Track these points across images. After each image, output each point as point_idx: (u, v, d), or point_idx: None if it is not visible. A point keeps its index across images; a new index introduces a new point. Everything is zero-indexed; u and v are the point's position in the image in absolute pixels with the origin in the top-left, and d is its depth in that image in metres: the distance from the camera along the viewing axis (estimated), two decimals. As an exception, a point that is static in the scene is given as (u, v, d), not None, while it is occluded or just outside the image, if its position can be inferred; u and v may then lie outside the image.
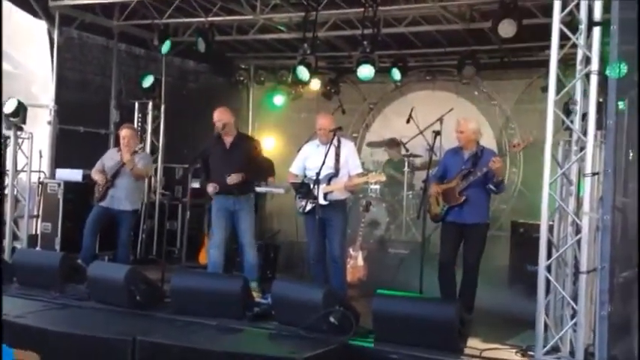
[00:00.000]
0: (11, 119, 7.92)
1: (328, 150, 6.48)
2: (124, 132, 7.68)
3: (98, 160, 7.82)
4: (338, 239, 6.54)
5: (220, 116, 6.86)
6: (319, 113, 7.42)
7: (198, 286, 5.99)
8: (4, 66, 9.92)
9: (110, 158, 7.72)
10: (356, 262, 7.88)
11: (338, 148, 6.57)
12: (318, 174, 6.34)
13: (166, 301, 6.11)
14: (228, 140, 6.90)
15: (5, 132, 7.99)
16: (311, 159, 6.69)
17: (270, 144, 11.35)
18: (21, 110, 7.92)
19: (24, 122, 8.03)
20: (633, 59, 4.80)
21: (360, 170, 6.66)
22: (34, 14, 8.94)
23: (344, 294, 6.35)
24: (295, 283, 5.98)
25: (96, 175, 7.62)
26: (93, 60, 9.87)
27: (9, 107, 7.86)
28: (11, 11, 9.19)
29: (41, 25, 9.11)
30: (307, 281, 6.57)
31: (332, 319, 5.19)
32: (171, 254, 9.00)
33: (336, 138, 6.56)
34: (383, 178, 6.89)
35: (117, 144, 8.13)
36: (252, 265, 6.82)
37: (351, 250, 7.66)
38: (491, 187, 6.14)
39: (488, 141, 9.10)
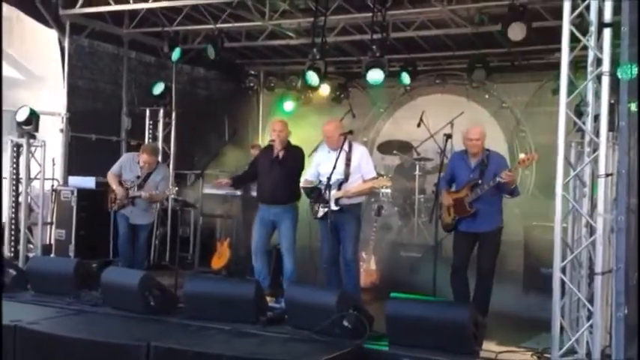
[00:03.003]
0: (24, 127, 8.00)
1: (339, 155, 6.50)
2: (144, 157, 7.66)
3: (113, 164, 7.83)
4: (351, 243, 6.55)
5: (281, 127, 6.93)
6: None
7: (212, 291, 6.01)
8: (15, 74, 10.03)
9: (129, 169, 7.73)
10: (368, 265, 7.89)
11: (349, 153, 6.59)
12: (329, 179, 6.39)
13: (180, 307, 6.13)
14: (278, 151, 6.90)
15: (18, 140, 8.07)
16: (323, 165, 6.72)
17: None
18: (33, 118, 7.98)
19: (36, 130, 8.11)
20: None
21: (373, 175, 6.62)
22: (45, 23, 9.01)
23: (357, 297, 6.35)
24: (308, 288, 5.98)
25: (114, 183, 7.64)
26: (104, 68, 9.95)
27: (21, 115, 7.94)
28: (21, 20, 9.28)
29: (52, 33, 9.20)
30: (320, 285, 6.57)
31: (345, 323, 5.19)
32: (183, 260, 9.02)
33: (347, 143, 6.59)
34: (388, 183, 6.88)
35: (129, 149, 8.19)
36: (288, 271, 6.86)
37: (363, 254, 7.66)
38: (506, 195, 6.15)
39: (499, 144, 9.11)
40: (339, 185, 6.51)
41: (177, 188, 7.74)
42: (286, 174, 6.83)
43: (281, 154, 6.87)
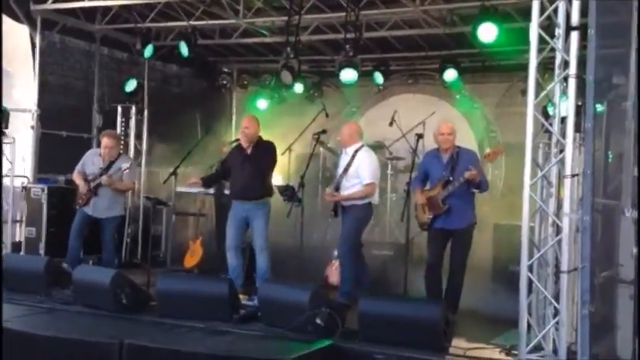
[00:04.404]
0: (-6, 124, 7.90)
1: (349, 160, 6.84)
2: (105, 141, 7.61)
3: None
4: (343, 240, 6.89)
5: (247, 123, 7.05)
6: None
7: (184, 289, 6.02)
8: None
9: (91, 163, 7.66)
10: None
11: (352, 158, 6.85)
12: (338, 181, 6.91)
13: (152, 305, 6.14)
14: (247, 147, 6.98)
15: (-13, 137, 7.97)
16: (338, 167, 7.13)
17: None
18: (3, 115, 7.89)
19: (7, 127, 8.01)
20: (610, 63, 4.92)
21: (367, 181, 6.78)
22: (16, 19, 8.90)
23: (345, 293, 6.64)
24: (281, 285, 6.02)
25: (78, 179, 7.60)
26: (75, 64, 9.86)
27: (-9, 112, 7.83)
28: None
29: (23, 29, 9.09)
30: (292, 282, 6.62)
31: (318, 321, 5.25)
32: (156, 258, 8.99)
33: (352, 148, 6.89)
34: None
35: (99, 147, 8.11)
36: (261, 269, 6.93)
37: (335, 253, 7.71)
38: (473, 189, 6.27)
39: (471, 144, 9.19)
40: (337, 188, 6.93)
41: (130, 162, 7.65)
42: (257, 170, 6.92)
43: (249, 151, 6.95)
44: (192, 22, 9.42)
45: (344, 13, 8.47)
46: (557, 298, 5.05)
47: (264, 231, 6.95)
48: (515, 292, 5.21)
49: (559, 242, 5.05)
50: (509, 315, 5.43)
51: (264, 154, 7.00)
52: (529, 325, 5.14)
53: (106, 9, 9.40)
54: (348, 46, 8.65)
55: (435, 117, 9.06)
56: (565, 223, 4.99)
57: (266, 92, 11.67)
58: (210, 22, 9.52)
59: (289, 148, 9.52)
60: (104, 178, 7.38)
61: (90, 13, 9.48)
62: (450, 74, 9.87)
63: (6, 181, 8.17)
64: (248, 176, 6.92)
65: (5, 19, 8.97)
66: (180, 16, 9.45)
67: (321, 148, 9.74)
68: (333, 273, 7.52)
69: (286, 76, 9.02)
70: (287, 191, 7.52)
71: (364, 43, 9.34)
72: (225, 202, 7.67)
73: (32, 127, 8.96)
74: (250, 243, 7.23)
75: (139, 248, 9.51)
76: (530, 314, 5.17)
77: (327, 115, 10.78)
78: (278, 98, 11.62)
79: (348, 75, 8.83)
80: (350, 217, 6.89)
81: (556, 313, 5.05)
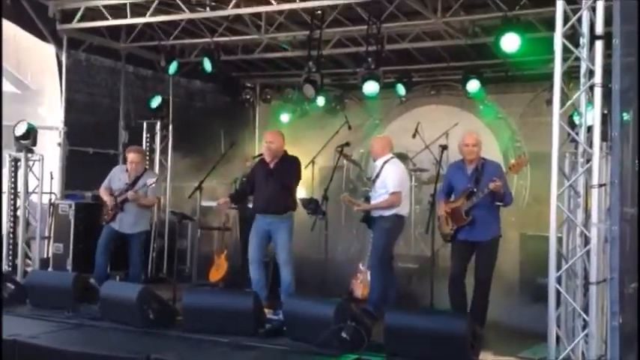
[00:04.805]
0: (22, 142, 8.03)
1: (378, 171, 6.96)
2: (131, 156, 7.71)
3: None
4: (373, 252, 6.94)
5: (271, 138, 7.04)
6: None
7: (210, 304, 6.04)
8: (13, 89, 10.07)
9: (118, 179, 7.75)
10: (365, 277, 7.89)
11: (380, 169, 6.93)
12: (368, 192, 7.10)
13: (179, 320, 6.16)
14: (270, 162, 6.97)
15: (16, 154, 8.10)
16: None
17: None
18: (31, 133, 8.02)
19: (34, 144, 8.14)
20: (636, 71, 4.86)
21: (392, 190, 6.82)
22: (43, 38, 9.06)
23: (374, 305, 6.64)
24: (306, 299, 6.00)
25: (104, 195, 7.68)
26: (101, 82, 9.99)
27: (19, 130, 7.98)
28: (19, 35, 9.33)
29: (49, 48, 9.25)
30: (317, 296, 6.61)
31: (344, 335, 5.23)
32: (181, 273, 9.03)
33: (382, 160, 6.97)
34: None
35: (125, 162, 8.20)
36: (285, 283, 6.90)
37: (360, 266, 7.69)
38: (497, 202, 6.21)
39: (495, 154, 9.14)
40: (367, 198, 7.07)
41: (156, 178, 7.74)
42: (280, 185, 6.90)
43: (273, 165, 6.95)
44: (215, 39, 9.53)
45: (365, 26, 8.49)
46: (586, 309, 4.97)
47: (287, 244, 6.92)
48: (543, 304, 5.15)
49: (587, 253, 4.98)
50: (537, 328, 5.37)
51: (287, 169, 6.98)
52: (558, 338, 5.06)
53: (131, 27, 9.52)
54: (370, 59, 8.67)
55: (458, 128, 9.03)
56: (593, 234, 4.93)
57: (289, 106, 11.73)
58: (233, 38, 9.61)
59: (312, 161, 9.53)
60: (130, 194, 7.44)
61: (115, 31, 9.62)
62: (473, 85, 9.84)
63: (34, 197, 8.28)
64: (271, 190, 6.90)
65: (31, 37, 9.16)
66: (204, 32, 9.55)
67: (344, 161, 9.73)
68: (358, 286, 7.49)
69: (309, 90, 9.06)
70: (311, 204, 7.53)
71: (386, 56, 9.36)
72: (249, 216, 7.68)
73: (59, 145, 9.10)
74: (274, 257, 7.23)
75: (165, 263, 9.57)
76: (558, 326, 5.10)
77: (349, 128, 10.81)
78: (300, 112, 11.68)
79: (371, 87, 8.85)
80: (378, 228, 6.92)
81: (585, 325, 4.97)
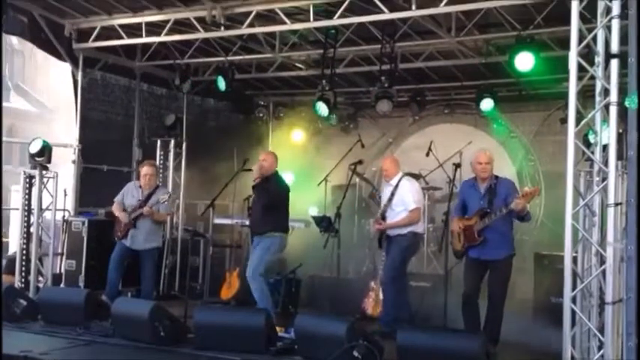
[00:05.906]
0: (37, 159, 8.08)
1: (392, 189, 6.94)
2: (145, 170, 7.79)
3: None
4: (388, 270, 6.89)
5: (265, 157, 7.25)
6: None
7: (221, 321, 6.02)
8: (28, 107, 10.16)
9: (131, 195, 7.79)
10: (377, 295, 7.84)
11: (395, 188, 6.92)
12: (383, 211, 6.97)
13: (190, 337, 6.14)
14: (254, 180, 7.16)
15: (31, 171, 8.15)
16: (383, 197, 7.18)
17: (289, 179, 11.41)
18: (46, 150, 8.07)
19: (49, 162, 8.18)
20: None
21: (413, 207, 6.84)
22: (59, 57, 9.16)
23: (386, 321, 6.65)
24: (318, 318, 5.97)
25: (117, 212, 7.71)
26: (116, 100, 10.09)
27: (34, 147, 8.03)
28: (34, 54, 9.45)
29: (65, 67, 9.35)
30: (329, 314, 6.58)
31: (356, 354, 5.18)
32: (193, 290, 9.01)
33: (396, 178, 6.95)
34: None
35: (138, 178, 8.24)
36: (256, 298, 6.98)
37: (372, 284, 7.64)
38: (517, 220, 6.14)
39: (509, 173, 9.10)
40: (383, 217, 6.97)
41: (169, 194, 7.78)
42: (260, 205, 7.07)
43: (256, 184, 7.12)
44: (229, 58, 9.59)
45: (379, 45, 8.52)
46: (601, 330, 4.91)
47: (257, 261, 7.01)
48: (558, 324, 5.09)
49: (603, 272, 4.93)
50: (552, 348, 5.30)
51: (265, 188, 7.07)
52: (573, 359, 4.99)
53: (146, 46, 9.61)
54: (383, 78, 8.69)
55: (472, 146, 8.99)
56: (609, 253, 4.88)
57: (302, 124, 11.76)
58: (247, 56, 9.67)
59: (325, 179, 9.52)
60: (146, 209, 7.48)
61: (130, 50, 9.72)
62: (487, 104, 9.82)
63: (48, 214, 8.31)
64: (255, 210, 7.20)
65: (48, 57, 9.25)
66: (218, 51, 9.62)
67: (357, 179, 9.72)
68: (370, 304, 7.43)
69: (322, 108, 9.07)
70: (323, 222, 7.53)
71: (399, 75, 9.37)
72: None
73: (74, 162, 9.16)
74: (286, 274, 7.21)
75: (177, 280, 9.56)
76: (574, 347, 5.04)
77: (362, 146, 10.80)
78: (314, 130, 11.69)
79: (384, 106, 8.84)
80: (395, 246, 6.90)
81: (601, 345, 4.91)
